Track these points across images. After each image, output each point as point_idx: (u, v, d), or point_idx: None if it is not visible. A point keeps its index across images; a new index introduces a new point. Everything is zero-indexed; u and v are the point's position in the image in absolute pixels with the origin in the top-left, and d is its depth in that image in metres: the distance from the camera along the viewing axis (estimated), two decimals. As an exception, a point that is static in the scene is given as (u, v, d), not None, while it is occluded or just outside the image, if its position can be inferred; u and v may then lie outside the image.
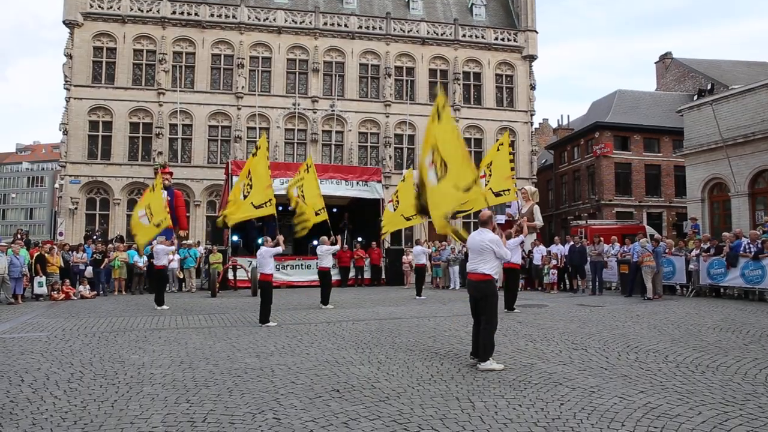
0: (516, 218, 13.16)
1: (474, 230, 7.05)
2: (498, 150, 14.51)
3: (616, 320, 10.21)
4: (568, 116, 46.83)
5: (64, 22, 32.23)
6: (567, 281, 17.78)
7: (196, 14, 33.84)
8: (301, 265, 20.33)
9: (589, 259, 16.61)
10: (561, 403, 4.94)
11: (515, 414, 4.65)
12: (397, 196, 18.23)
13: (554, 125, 49.66)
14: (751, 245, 13.78)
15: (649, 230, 25.21)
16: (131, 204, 31.05)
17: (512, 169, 14.10)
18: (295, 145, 34.50)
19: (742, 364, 6.38)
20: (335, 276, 18.08)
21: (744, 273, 13.73)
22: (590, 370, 6.14)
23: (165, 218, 14.36)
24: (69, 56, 32.06)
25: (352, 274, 20.95)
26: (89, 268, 17.18)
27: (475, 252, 6.63)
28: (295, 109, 34.27)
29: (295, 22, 34.91)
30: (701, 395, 5.10)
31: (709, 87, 36.92)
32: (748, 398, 5.01)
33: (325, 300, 13.13)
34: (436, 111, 7.32)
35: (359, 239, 22.18)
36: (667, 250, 15.72)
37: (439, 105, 7.35)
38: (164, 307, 13.00)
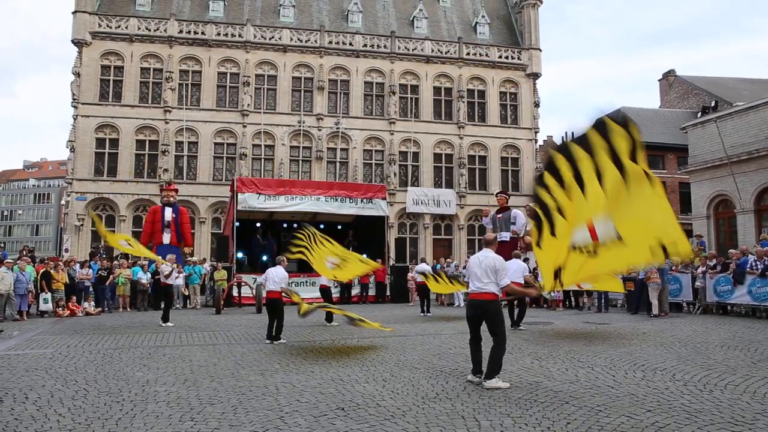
0: (521, 235, 13.08)
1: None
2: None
3: (623, 338, 10.13)
4: (572, 133, 46.85)
5: (72, 41, 32.66)
6: (572, 298, 17.69)
7: (202, 33, 34.25)
8: (306, 282, 20.28)
9: (594, 276, 16.53)
10: (567, 422, 4.89)
11: (521, 433, 4.61)
12: None
13: (558, 142, 49.79)
14: (758, 262, 13.67)
15: (655, 247, 25.08)
16: (137, 221, 31.21)
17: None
18: (300, 162, 34.65)
19: (751, 382, 6.31)
20: (335, 293, 18.01)
21: (751, 290, 13.61)
22: (596, 389, 6.09)
23: (135, 244, 14.95)
24: (77, 74, 32.45)
25: (356, 291, 20.89)
26: (91, 289, 17.20)
27: (480, 272, 6.58)
28: (300, 126, 34.49)
29: (301, 41, 35.28)
30: (709, 414, 5.05)
31: (713, 104, 37.02)
32: (758, 417, 4.95)
33: (329, 317, 13.09)
34: (645, 175, 6.11)
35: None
36: (673, 267, 15.64)
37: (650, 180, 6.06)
38: (169, 324, 12.98)
